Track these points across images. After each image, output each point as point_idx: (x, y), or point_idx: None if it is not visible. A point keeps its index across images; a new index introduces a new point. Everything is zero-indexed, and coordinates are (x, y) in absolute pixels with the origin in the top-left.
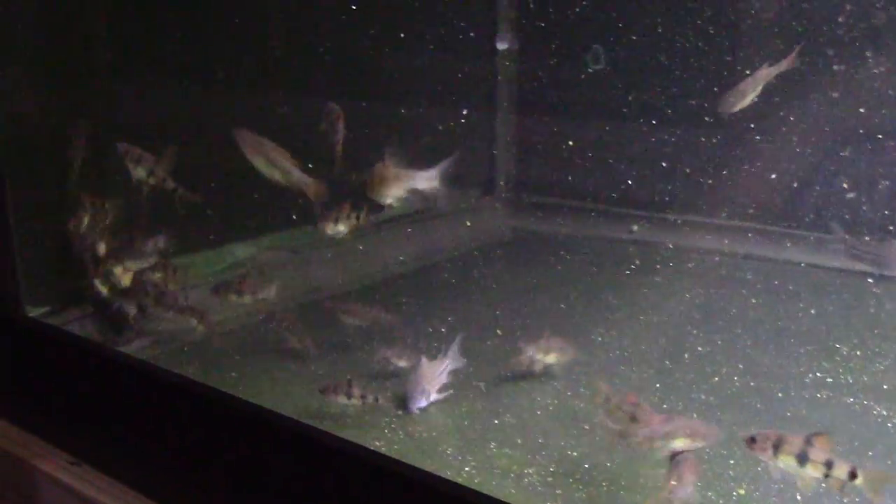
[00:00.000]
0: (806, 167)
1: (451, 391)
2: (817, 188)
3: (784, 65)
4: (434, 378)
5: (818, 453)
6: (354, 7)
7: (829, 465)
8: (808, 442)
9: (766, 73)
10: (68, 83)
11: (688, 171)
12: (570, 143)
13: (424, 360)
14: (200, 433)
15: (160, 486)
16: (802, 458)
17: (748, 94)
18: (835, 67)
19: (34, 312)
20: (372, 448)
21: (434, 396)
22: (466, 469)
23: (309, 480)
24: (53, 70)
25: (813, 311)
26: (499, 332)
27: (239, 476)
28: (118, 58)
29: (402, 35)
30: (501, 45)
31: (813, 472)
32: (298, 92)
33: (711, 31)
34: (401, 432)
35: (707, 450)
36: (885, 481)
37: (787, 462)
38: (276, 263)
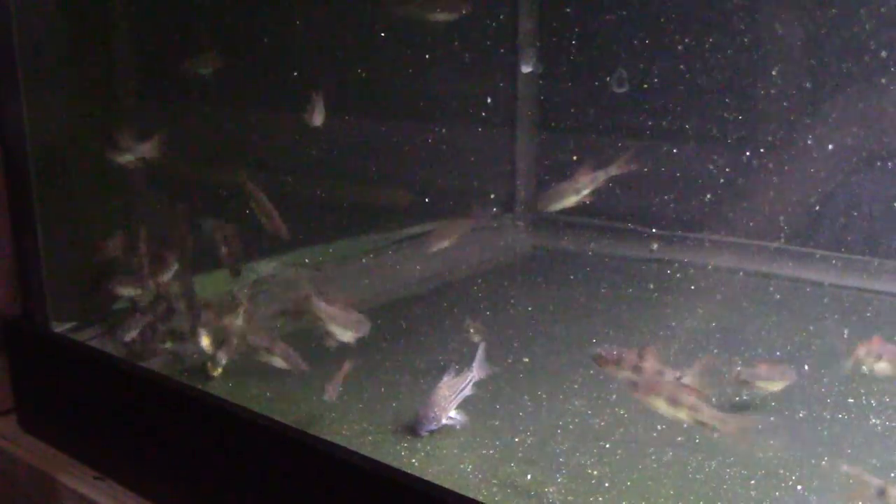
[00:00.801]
0: (830, 185)
1: (467, 427)
2: (842, 207)
3: (612, 170)
4: (450, 399)
5: (651, 362)
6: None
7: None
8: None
9: (592, 178)
10: (97, 101)
11: (709, 189)
12: (590, 161)
13: (446, 378)
14: (225, 450)
15: (184, 502)
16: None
17: (568, 196)
18: (862, 83)
19: (60, 328)
20: (390, 464)
21: (447, 420)
22: (486, 487)
23: (330, 497)
24: (83, 88)
25: (835, 331)
26: (517, 347)
27: (264, 494)
28: (145, 76)
29: (425, 56)
30: (526, 68)
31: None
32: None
33: (734, 50)
34: (420, 448)
35: (727, 471)
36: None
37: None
38: (297, 280)
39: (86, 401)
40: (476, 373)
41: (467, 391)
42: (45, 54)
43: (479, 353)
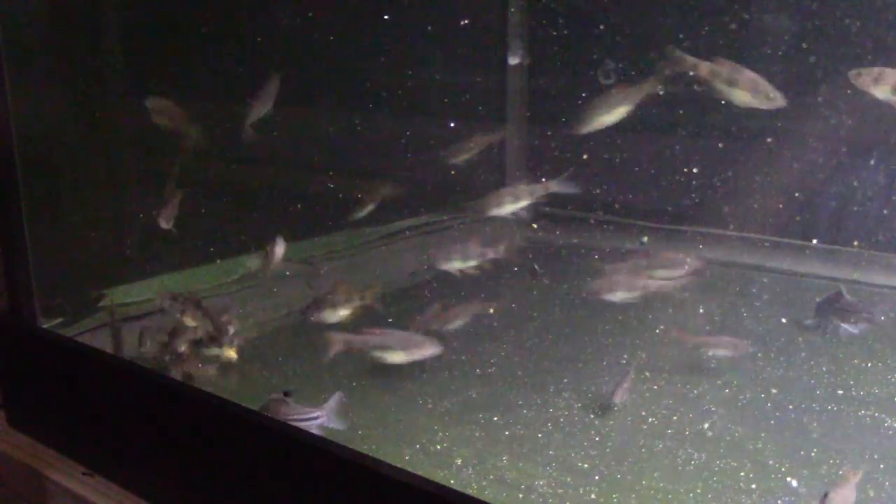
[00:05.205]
0: (821, 178)
1: None
2: (833, 200)
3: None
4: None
5: None
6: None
7: None
8: None
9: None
10: (84, 97)
11: (700, 182)
12: (581, 154)
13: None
14: (215, 445)
15: (173, 498)
16: None
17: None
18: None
19: (48, 324)
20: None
21: None
22: (476, 480)
23: (322, 493)
24: (69, 84)
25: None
26: (508, 339)
27: (254, 489)
28: (131, 70)
29: (415, 50)
30: (513, 61)
31: None
32: (311, 103)
33: (722, 42)
34: (414, 443)
35: (717, 462)
36: None
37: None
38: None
39: (74, 396)
40: (325, 416)
41: (314, 430)
42: (30, 48)
43: (333, 402)
